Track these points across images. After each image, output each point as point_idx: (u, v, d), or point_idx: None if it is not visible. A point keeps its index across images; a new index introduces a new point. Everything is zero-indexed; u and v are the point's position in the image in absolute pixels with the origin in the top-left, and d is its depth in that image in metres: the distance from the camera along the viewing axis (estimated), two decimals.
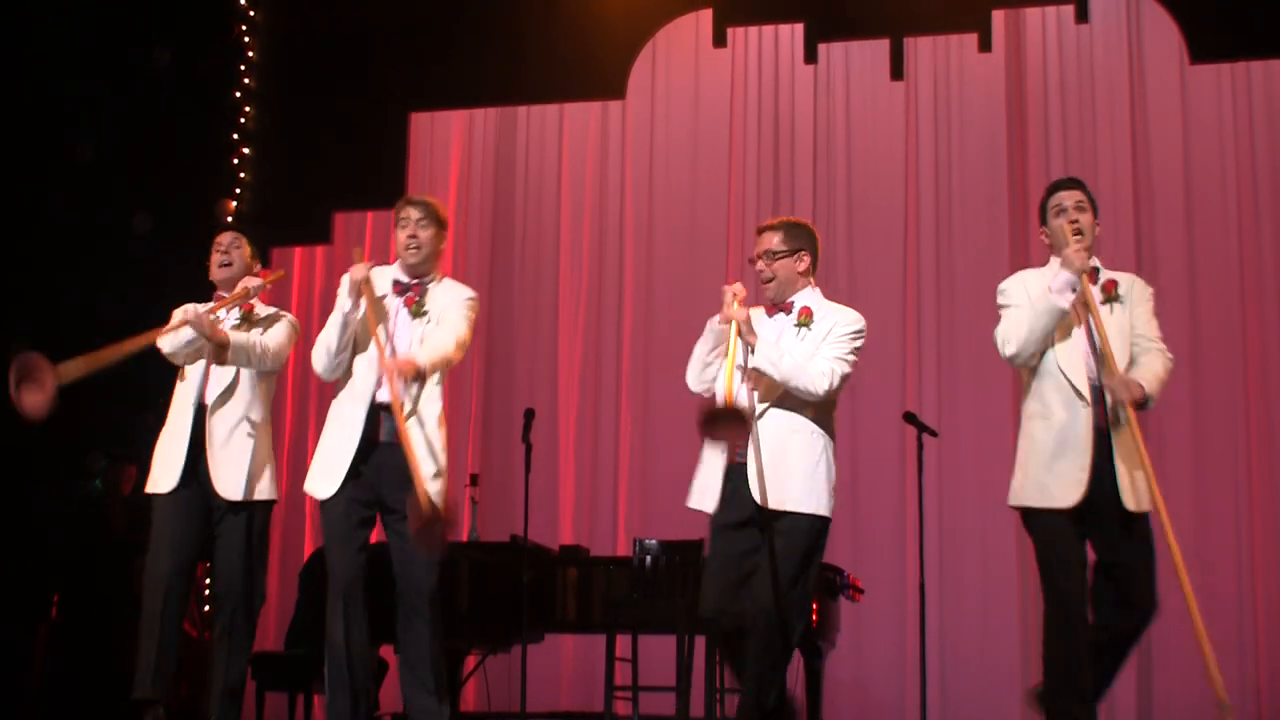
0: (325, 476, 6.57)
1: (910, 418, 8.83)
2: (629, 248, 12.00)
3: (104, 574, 10.52)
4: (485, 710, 10.28)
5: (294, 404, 12.34)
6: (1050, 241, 6.38)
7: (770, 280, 6.47)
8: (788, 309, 6.44)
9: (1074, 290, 6.07)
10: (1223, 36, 11.02)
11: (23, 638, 10.81)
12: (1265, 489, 10.61)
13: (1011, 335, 6.36)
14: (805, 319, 6.41)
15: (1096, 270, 6.32)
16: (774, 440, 6.19)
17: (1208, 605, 10.50)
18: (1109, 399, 6.02)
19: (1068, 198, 6.40)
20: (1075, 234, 6.20)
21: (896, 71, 11.64)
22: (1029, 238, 11.17)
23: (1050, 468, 6.09)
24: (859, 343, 6.45)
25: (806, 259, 6.49)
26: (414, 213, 6.77)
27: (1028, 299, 6.32)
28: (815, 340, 6.34)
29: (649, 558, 9.00)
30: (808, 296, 6.47)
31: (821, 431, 6.29)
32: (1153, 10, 11.20)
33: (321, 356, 6.65)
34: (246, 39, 12.69)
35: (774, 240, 6.47)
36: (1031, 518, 6.18)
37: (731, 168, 11.85)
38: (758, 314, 6.47)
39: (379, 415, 6.55)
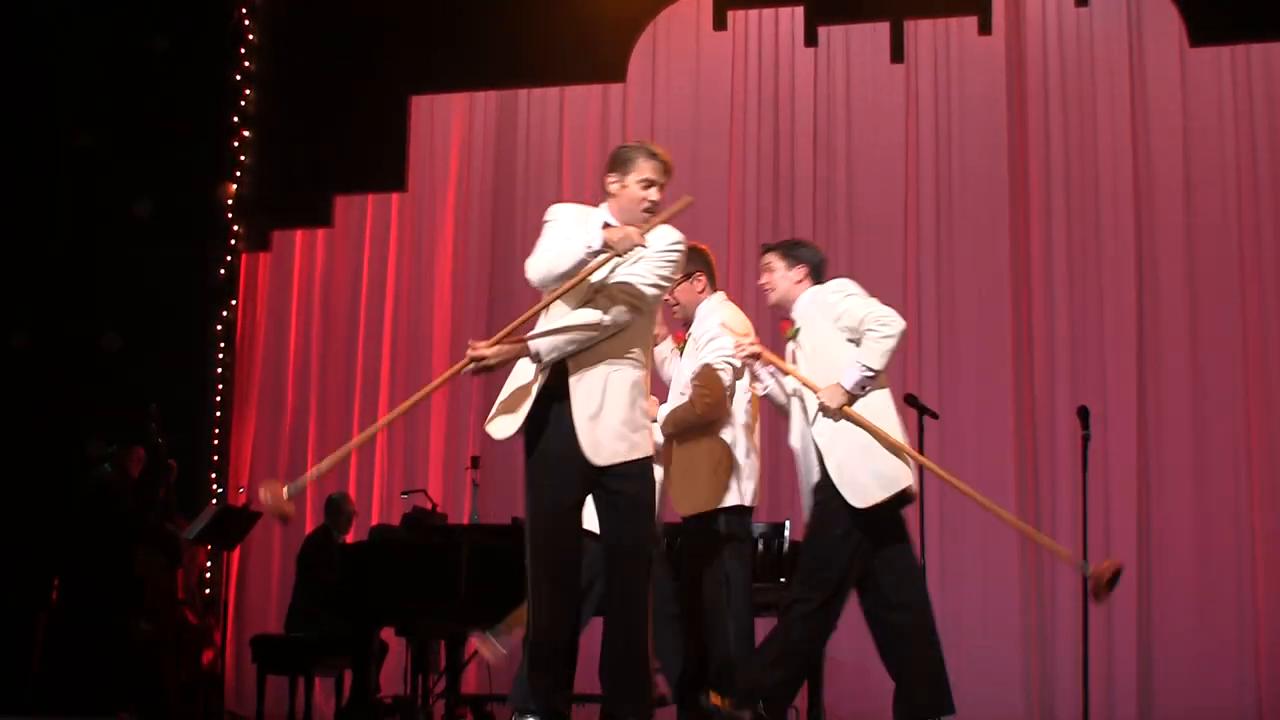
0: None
1: (911, 400, 8.81)
2: None
3: (108, 559, 10.53)
4: (487, 692, 10.29)
5: (294, 391, 12.37)
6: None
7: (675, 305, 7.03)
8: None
9: None
10: (1222, 20, 11.01)
11: (23, 621, 10.83)
12: (1266, 474, 10.62)
13: None
14: (681, 344, 7.08)
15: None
16: None
17: (1208, 604, 10.57)
18: None
19: None
20: None
21: (897, 54, 11.62)
22: (1029, 220, 11.19)
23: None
24: (717, 349, 6.86)
25: (702, 279, 7.05)
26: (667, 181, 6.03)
27: None
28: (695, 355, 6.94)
29: None
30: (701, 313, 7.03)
31: None
32: None
33: (543, 275, 5.86)
34: (246, 22, 12.68)
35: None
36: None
37: (732, 151, 11.83)
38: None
39: None
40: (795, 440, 6.80)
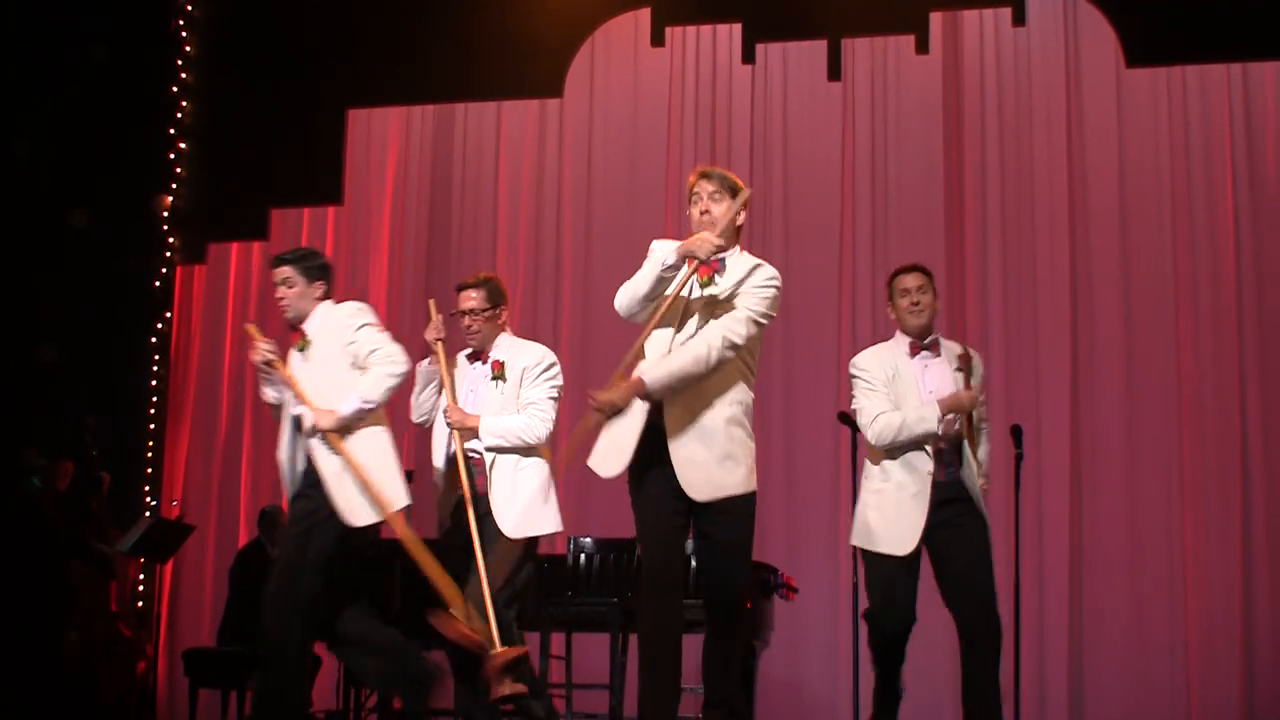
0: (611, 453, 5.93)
1: (844, 418, 8.83)
2: (566, 246, 11.99)
3: (35, 572, 10.44)
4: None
5: (229, 405, 12.30)
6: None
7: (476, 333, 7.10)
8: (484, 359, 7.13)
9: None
10: (1159, 41, 11.09)
11: None
12: (1195, 483, 10.68)
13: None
14: (499, 372, 7.06)
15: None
16: None
17: (1140, 620, 10.63)
18: None
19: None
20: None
21: (834, 72, 11.66)
22: (964, 237, 11.24)
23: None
24: (554, 379, 7.12)
25: (504, 313, 7.20)
26: (708, 185, 5.97)
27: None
28: (514, 388, 7.03)
29: (584, 556, 9.01)
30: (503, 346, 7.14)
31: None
32: (1089, 14, 11.26)
33: (627, 301, 6.06)
34: (184, 33, 12.62)
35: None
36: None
37: (669, 167, 11.84)
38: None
39: None
40: (283, 452, 6.83)
